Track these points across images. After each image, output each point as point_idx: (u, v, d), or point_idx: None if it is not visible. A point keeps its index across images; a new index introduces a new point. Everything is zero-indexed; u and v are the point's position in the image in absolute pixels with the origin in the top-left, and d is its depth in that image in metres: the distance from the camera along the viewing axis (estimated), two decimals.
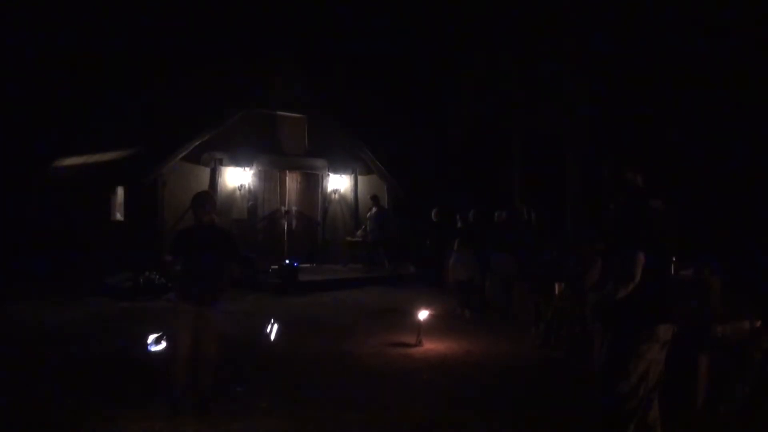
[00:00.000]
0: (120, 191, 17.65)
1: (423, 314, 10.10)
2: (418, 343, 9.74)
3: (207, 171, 16.97)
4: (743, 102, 15.71)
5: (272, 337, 7.70)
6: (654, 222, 4.45)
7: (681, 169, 15.99)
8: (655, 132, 16.59)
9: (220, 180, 17.19)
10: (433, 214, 17.37)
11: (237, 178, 17.66)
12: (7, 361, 8.60)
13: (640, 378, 4.38)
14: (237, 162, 17.52)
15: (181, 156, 16.53)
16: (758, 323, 6.75)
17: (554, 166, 18.17)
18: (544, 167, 19.25)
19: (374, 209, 18.08)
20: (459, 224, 14.38)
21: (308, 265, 17.78)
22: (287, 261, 15.96)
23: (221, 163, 17.19)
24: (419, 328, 9.92)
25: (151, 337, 6.52)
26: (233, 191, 17.61)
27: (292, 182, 19.56)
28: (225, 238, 6.77)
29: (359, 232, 19.10)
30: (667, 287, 4.49)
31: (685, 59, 16.28)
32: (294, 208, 19.03)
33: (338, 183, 19.78)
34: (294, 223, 18.88)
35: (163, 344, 6.50)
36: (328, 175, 19.50)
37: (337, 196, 19.77)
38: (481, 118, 21.20)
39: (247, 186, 17.78)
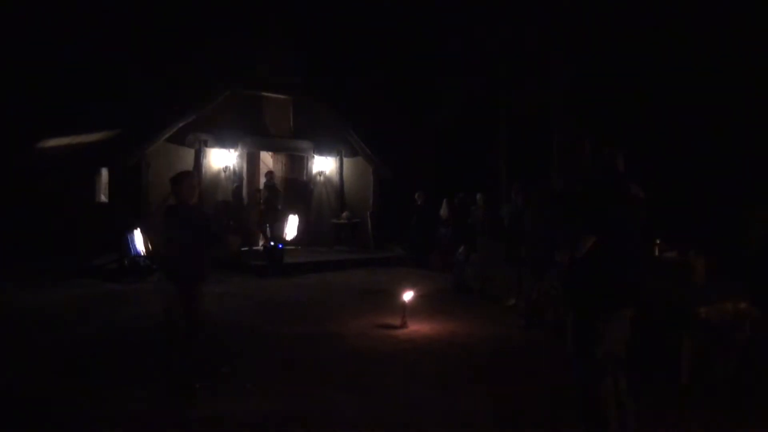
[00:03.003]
0: (104, 173, 17.54)
1: (408, 296, 10.13)
2: (404, 325, 9.76)
3: (192, 152, 16.86)
4: (736, 86, 15.75)
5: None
6: (626, 209, 4.44)
7: (667, 150, 16.04)
8: (642, 113, 16.62)
9: (205, 161, 17.10)
10: (416, 197, 17.43)
11: (222, 159, 17.56)
12: None
13: (605, 356, 4.42)
14: (222, 143, 17.42)
15: (165, 137, 16.41)
16: (742, 304, 6.80)
17: (540, 147, 18.21)
18: (530, 148, 19.27)
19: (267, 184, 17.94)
20: (445, 208, 14.52)
21: (293, 247, 17.78)
22: (272, 243, 15.95)
23: (206, 144, 17.09)
24: (404, 309, 9.95)
25: None
26: (218, 173, 17.53)
27: (277, 164, 19.50)
28: (206, 217, 6.80)
29: (344, 214, 19.09)
30: (630, 271, 4.50)
31: (675, 40, 16.29)
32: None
33: (324, 165, 19.71)
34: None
35: None
36: (314, 157, 19.42)
37: (322, 178, 19.72)
38: (468, 99, 21.21)
39: (232, 167, 17.69)
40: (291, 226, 7.03)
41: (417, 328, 9.74)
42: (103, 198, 17.59)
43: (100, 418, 5.85)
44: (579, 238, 4.36)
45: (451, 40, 20.71)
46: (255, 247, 17.08)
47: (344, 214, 19.12)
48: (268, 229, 17.33)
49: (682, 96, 16.30)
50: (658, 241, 9.78)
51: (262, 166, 19.71)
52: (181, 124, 16.57)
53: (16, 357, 7.88)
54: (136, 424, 5.75)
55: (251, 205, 17.96)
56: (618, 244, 4.38)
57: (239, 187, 17.77)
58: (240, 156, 17.82)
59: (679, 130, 16.20)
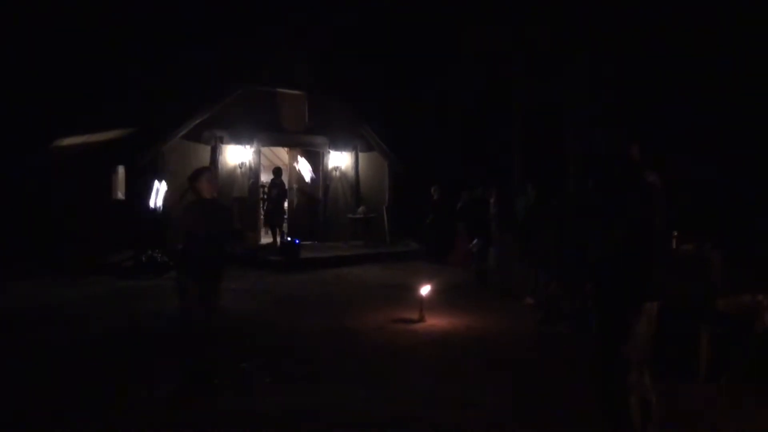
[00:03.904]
0: (121, 170, 17.63)
1: (425, 290, 10.14)
2: (421, 319, 9.78)
3: (208, 149, 16.92)
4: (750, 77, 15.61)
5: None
6: (646, 198, 4.42)
7: (684, 142, 15.93)
8: (657, 105, 16.49)
9: (220, 158, 17.14)
10: (432, 192, 17.42)
11: (238, 155, 17.61)
12: (9, 340, 8.65)
13: (631, 351, 4.41)
14: (237, 140, 17.47)
15: (181, 134, 16.49)
16: (759, 297, 6.77)
17: (555, 140, 18.13)
18: (544, 141, 19.19)
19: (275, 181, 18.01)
20: (461, 202, 14.53)
21: (309, 242, 17.82)
22: (288, 238, 16.01)
23: (222, 141, 17.14)
24: (421, 303, 9.96)
25: None
26: (234, 169, 17.58)
27: (293, 160, 19.54)
28: (224, 212, 6.83)
29: (360, 209, 19.11)
30: (655, 264, 4.48)
31: (690, 29, 16.15)
32: (295, 186, 19.03)
33: (339, 160, 19.71)
34: (295, 200, 18.90)
35: None
36: (329, 152, 19.42)
37: (338, 173, 19.71)
38: (482, 93, 21.15)
39: (247, 164, 17.75)
40: None
41: (434, 322, 9.76)
42: (120, 195, 17.68)
43: (117, 413, 5.90)
44: (607, 234, 4.33)
45: (465, 35, 20.64)
46: (271, 243, 17.13)
47: (360, 209, 19.13)
48: (277, 227, 17.49)
49: (699, 87, 16.18)
50: (675, 233, 9.74)
51: (272, 160, 19.75)
52: (196, 121, 16.64)
53: (33, 354, 7.95)
54: (154, 420, 5.79)
55: (260, 201, 18.05)
56: (641, 235, 4.35)
57: (255, 183, 17.81)
58: (255, 152, 17.88)
59: (696, 122, 16.08)
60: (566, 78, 17.27)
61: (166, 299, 10.12)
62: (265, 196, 18.17)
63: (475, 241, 13.17)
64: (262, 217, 18.40)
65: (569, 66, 17.09)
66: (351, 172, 19.92)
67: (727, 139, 15.50)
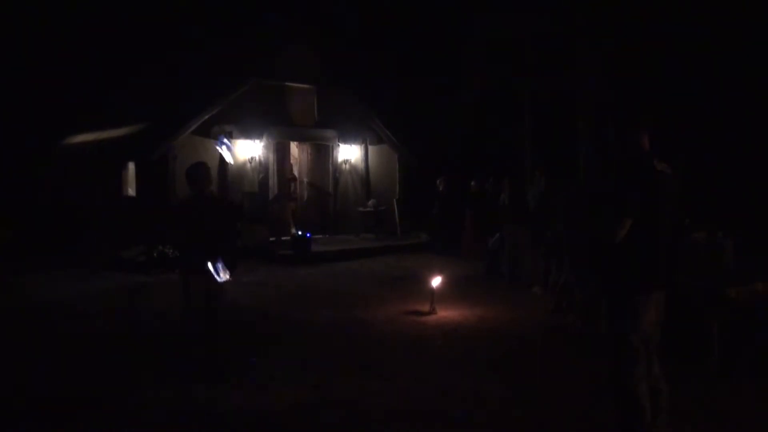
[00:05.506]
0: (131, 166, 17.67)
1: (436, 282, 10.13)
2: (432, 311, 9.78)
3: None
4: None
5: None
6: (656, 186, 4.39)
7: (696, 129, 15.84)
8: (668, 93, 16.39)
9: (230, 153, 17.12)
10: (438, 183, 17.39)
11: (247, 150, 17.62)
12: (23, 335, 8.70)
13: (640, 341, 4.39)
14: (247, 134, 17.47)
15: (191, 130, 16.51)
16: None
17: (566, 130, 18.05)
18: (555, 130, 19.11)
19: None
20: (470, 192, 14.49)
21: (320, 235, 17.83)
22: (299, 232, 16.03)
23: (231, 135, 17.11)
24: (432, 295, 9.95)
25: None
26: (244, 164, 17.59)
27: (302, 153, 19.53)
28: (225, 206, 6.85)
29: (370, 202, 19.09)
30: (663, 252, 4.45)
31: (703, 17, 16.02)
32: (305, 180, 19.03)
33: (349, 153, 19.68)
34: (305, 194, 18.89)
35: None
36: (339, 145, 19.39)
37: (347, 166, 19.70)
38: (493, 83, 21.08)
39: (257, 158, 17.76)
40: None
41: (445, 314, 9.75)
42: (131, 191, 17.73)
43: (130, 408, 5.92)
44: (616, 223, 4.31)
45: (477, 25, 20.57)
46: (283, 237, 17.15)
47: (370, 202, 19.11)
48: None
49: (709, 74, 16.07)
50: (686, 221, 9.69)
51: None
52: (206, 117, 16.66)
53: (48, 350, 7.97)
54: (166, 414, 5.80)
55: (283, 195, 18.03)
56: (650, 224, 4.33)
57: (265, 178, 17.82)
58: (266, 147, 17.87)
59: (708, 108, 15.98)
60: (578, 66, 17.19)
61: (176, 294, 10.14)
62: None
63: (497, 236, 13.15)
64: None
65: (581, 54, 17.01)
66: (361, 165, 19.91)
67: (741, 125, 15.40)
